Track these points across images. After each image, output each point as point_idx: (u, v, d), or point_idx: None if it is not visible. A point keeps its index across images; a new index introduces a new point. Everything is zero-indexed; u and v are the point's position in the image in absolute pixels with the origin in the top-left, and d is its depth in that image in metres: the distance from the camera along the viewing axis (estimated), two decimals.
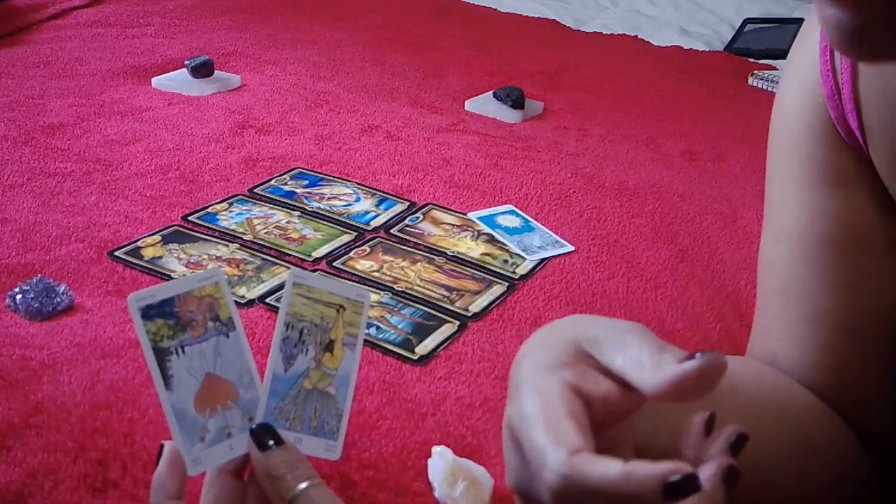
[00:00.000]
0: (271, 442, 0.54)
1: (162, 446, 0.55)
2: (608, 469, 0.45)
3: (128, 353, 0.89)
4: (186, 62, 1.62)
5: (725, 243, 1.26)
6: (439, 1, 2.39)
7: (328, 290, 0.58)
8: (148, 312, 0.54)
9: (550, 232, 1.23)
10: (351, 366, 0.61)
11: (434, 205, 1.27)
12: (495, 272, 1.13)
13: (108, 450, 0.77)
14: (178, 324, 0.54)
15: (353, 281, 1.07)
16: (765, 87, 1.94)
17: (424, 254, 1.15)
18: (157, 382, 0.54)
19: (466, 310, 1.04)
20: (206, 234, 1.14)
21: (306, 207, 1.23)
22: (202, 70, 1.61)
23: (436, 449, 0.79)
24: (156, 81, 1.62)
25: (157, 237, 1.12)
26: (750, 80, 1.97)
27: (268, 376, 0.57)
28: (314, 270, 1.08)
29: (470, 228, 1.22)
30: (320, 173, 1.34)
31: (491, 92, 1.68)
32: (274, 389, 0.57)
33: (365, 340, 0.94)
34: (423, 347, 0.96)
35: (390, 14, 2.22)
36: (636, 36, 2.22)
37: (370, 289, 1.05)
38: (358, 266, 1.10)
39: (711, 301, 1.12)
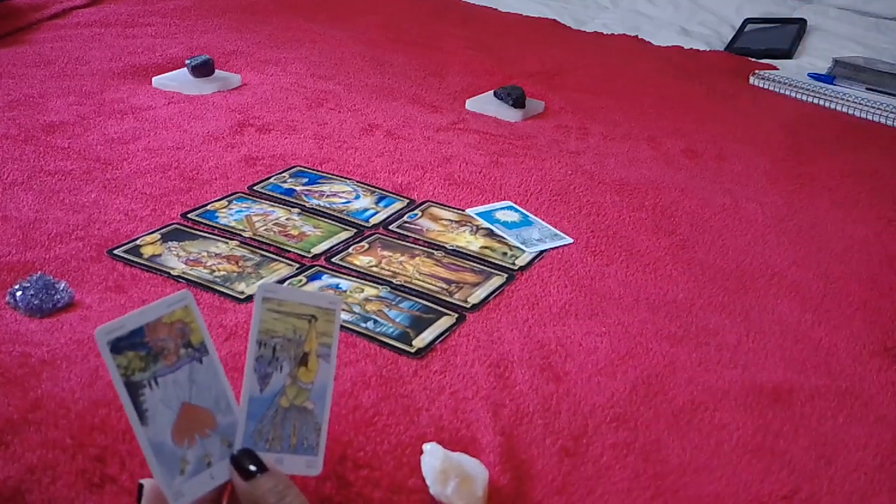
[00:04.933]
0: (254, 468, 0.53)
1: (141, 486, 0.54)
2: None
3: None
4: (187, 61, 1.62)
5: (728, 231, 1.27)
6: (439, 1, 2.39)
7: (299, 301, 0.58)
8: (117, 346, 0.52)
9: (549, 226, 1.23)
10: (327, 377, 0.60)
11: (432, 202, 1.27)
12: (494, 264, 1.13)
13: (106, 446, 0.77)
14: (149, 354, 0.53)
15: (353, 276, 1.07)
16: (765, 87, 1.94)
17: (423, 248, 1.15)
18: (131, 418, 0.53)
19: (465, 301, 1.04)
20: (206, 232, 1.14)
21: (305, 205, 1.23)
22: (202, 69, 1.61)
23: (426, 447, 0.77)
24: (156, 81, 1.62)
25: (157, 235, 1.12)
26: (751, 79, 1.97)
27: (244, 399, 0.56)
28: (312, 266, 1.08)
29: (469, 223, 1.22)
30: (320, 171, 1.34)
31: (491, 91, 1.68)
32: (251, 412, 0.56)
33: (362, 334, 0.95)
34: (421, 340, 0.96)
35: (390, 14, 2.22)
36: (636, 36, 2.22)
37: (369, 283, 1.05)
38: (356, 262, 1.10)
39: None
